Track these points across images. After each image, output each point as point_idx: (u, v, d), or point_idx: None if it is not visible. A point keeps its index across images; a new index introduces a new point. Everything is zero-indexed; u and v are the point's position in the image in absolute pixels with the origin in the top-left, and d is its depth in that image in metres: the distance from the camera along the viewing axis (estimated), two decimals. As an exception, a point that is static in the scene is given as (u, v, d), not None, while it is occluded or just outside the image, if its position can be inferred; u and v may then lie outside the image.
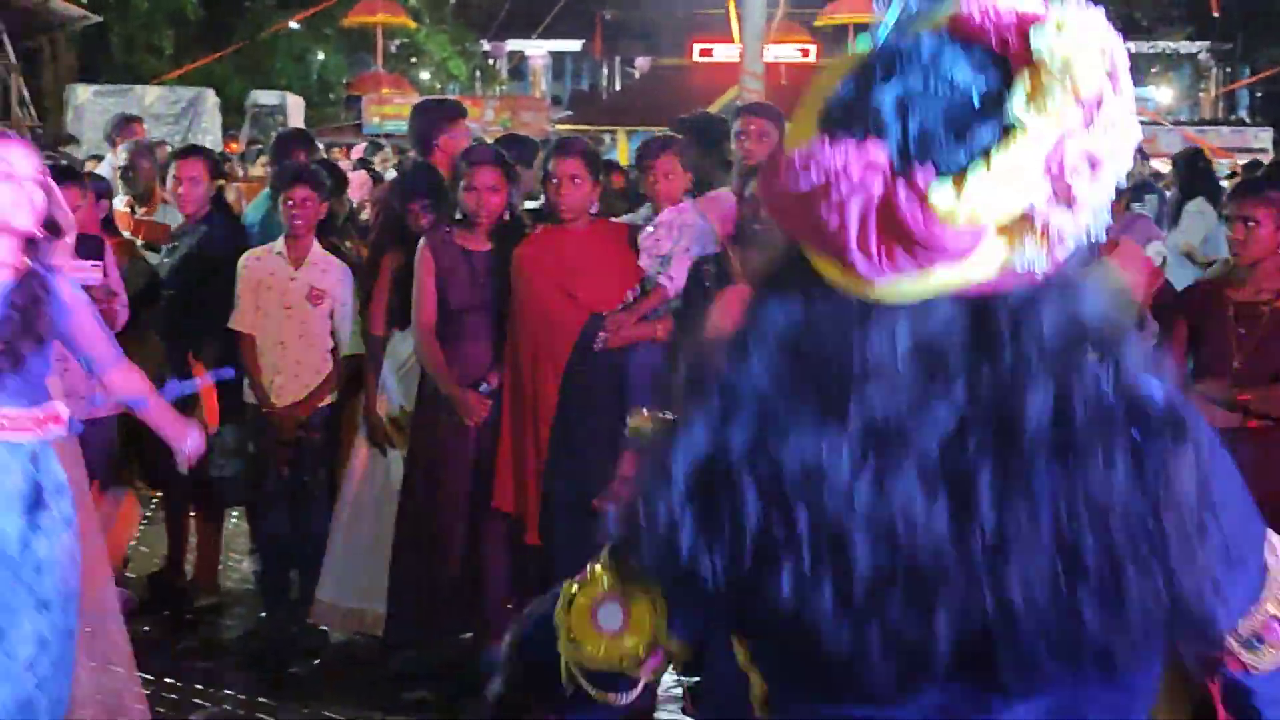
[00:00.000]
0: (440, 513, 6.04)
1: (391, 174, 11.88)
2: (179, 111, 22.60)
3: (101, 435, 5.87)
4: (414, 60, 36.97)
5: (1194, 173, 11.18)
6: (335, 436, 6.63)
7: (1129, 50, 1.47)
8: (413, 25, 32.77)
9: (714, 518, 1.49)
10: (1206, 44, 43.22)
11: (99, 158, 12.13)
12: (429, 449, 6.08)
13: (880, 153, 1.41)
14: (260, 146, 16.80)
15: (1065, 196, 1.41)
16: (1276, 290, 5.61)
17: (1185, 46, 43.50)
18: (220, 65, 29.10)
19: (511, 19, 36.79)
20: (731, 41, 27.31)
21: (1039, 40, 1.39)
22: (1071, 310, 1.48)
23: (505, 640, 1.90)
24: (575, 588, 1.80)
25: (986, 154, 1.39)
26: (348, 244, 7.03)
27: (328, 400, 6.50)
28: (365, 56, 34.94)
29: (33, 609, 4.01)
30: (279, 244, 6.44)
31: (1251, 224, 5.56)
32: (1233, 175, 15.17)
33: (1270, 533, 1.68)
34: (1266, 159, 19.47)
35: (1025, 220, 1.42)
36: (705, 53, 32.42)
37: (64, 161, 8.42)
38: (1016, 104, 1.39)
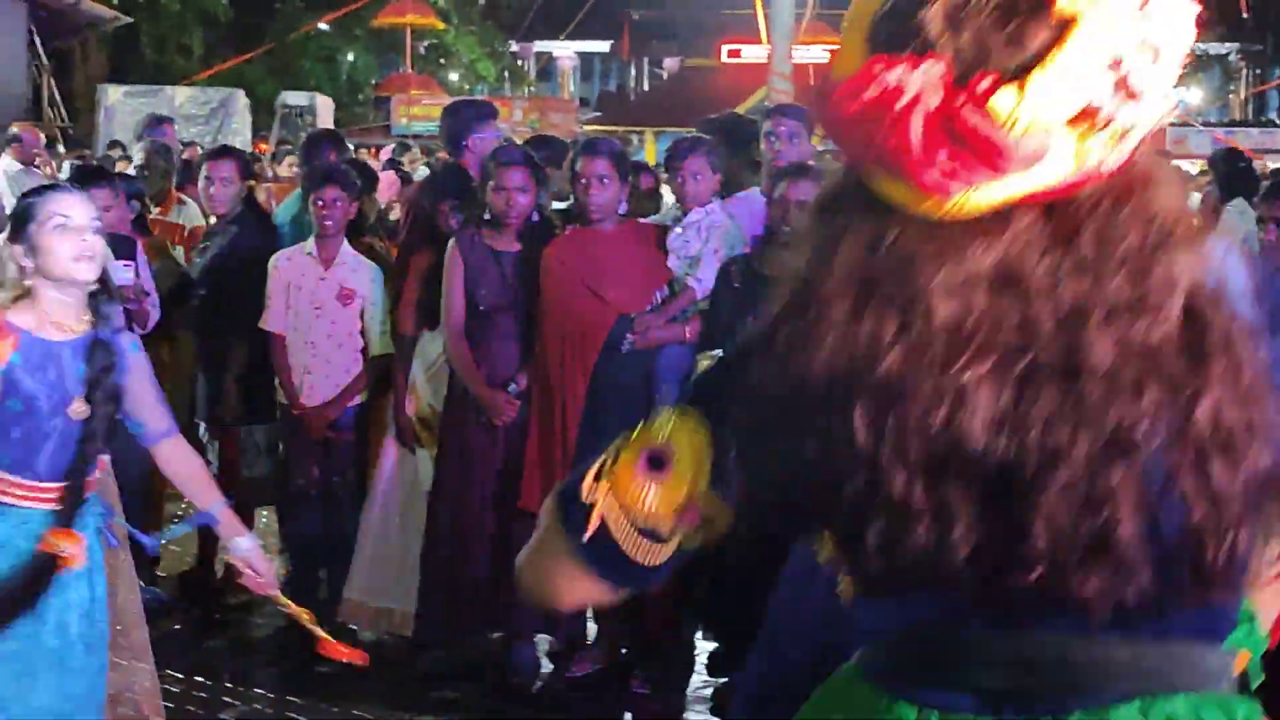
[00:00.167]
0: (469, 512, 6.05)
1: (421, 174, 11.90)
2: (209, 112, 22.68)
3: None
4: (443, 61, 37.01)
5: (1233, 172, 11.06)
6: (364, 436, 6.64)
7: None
8: (441, 26, 32.84)
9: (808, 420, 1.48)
10: (1236, 45, 43.03)
11: (128, 158, 12.18)
12: (458, 449, 6.09)
13: (936, 65, 1.40)
14: (289, 147, 16.86)
15: (1128, 88, 1.39)
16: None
17: (1215, 48, 43.28)
18: (250, 66, 29.20)
19: (540, 20, 36.84)
20: (760, 42, 27.36)
21: None
22: (1148, 204, 1.46)
23: (551, 493, 1.84)
24: (625, 440, 1.75)
25: (1043, 53, 1.37)
26: (379, 243, 7.04)
27: (358, 400, 6.52)
28: (394, 57, 35.03)
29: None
30: (309, 244, 6.46)
31: (1283, 226, 5.54)
32: (1263, 178, 15.08)
33: None
34: (1298, 160, 19.36)
35: (1091, 117, 1.40)
36: (733, 54, 32.46)
37: (95, 162, 8.47)
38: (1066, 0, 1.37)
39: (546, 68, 44.17)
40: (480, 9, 36.86)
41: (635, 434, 1.73)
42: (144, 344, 4.29)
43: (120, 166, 11.21)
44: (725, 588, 5.72)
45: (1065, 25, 1.37)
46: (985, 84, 1.38)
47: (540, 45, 41.42)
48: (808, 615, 3.65)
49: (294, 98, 25.98)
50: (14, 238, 3.91)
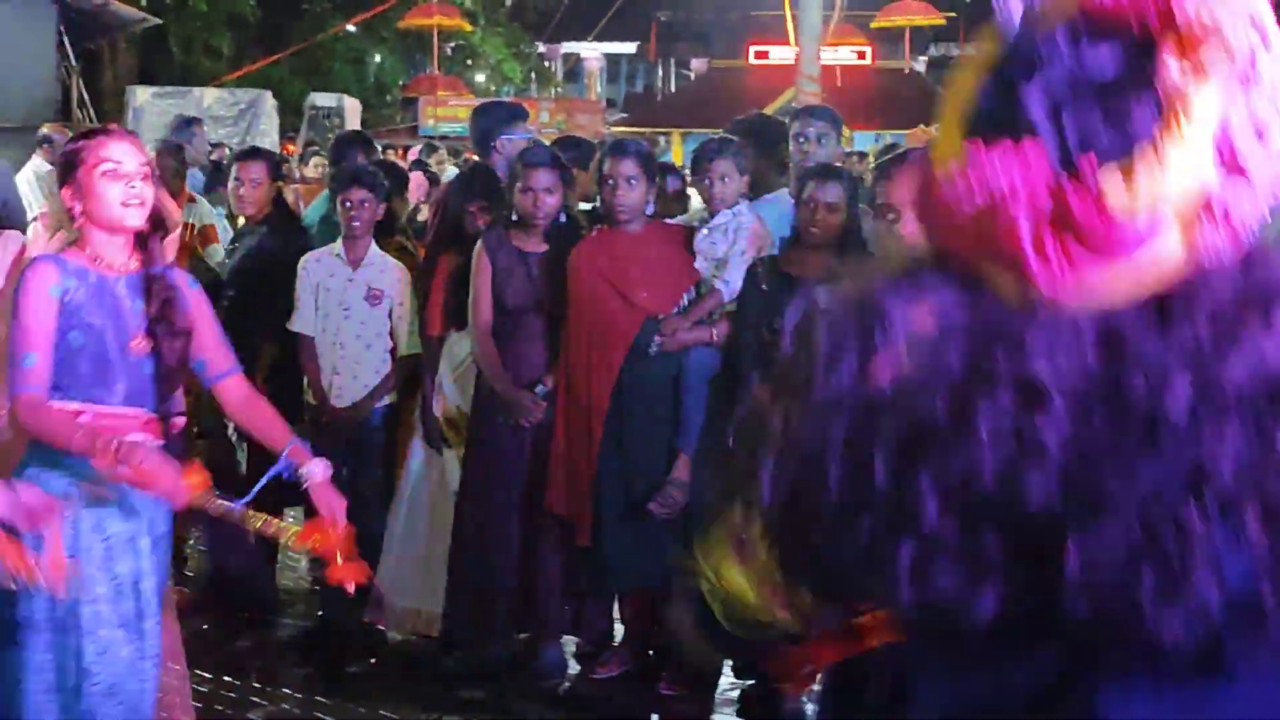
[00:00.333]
0: (496, 513, 6.05)
1: (448, 175, 11.92)
2: (237, 113, 22.72)
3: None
4: (469, 62, 37.06)
5: None
6: (393, 437, 6.65)
7: None
8: (468, 28, 32.86)
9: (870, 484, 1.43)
10: None
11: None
12: (485, 449, 6.09)
13: (1041, 153, 1.36)
14: (316, 148, 16.88)
15: (1237, 169, 1.35)
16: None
17: None
18: (278, 67, 29.28)
19: (567, 21, 36.84)
20: (787, 43, 27.36)
21: (1179, 3, 1.34)
22: (1262, 288, 1.39)
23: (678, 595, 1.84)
24: (714, 532, 1.73)
25: (1150, 136, 1.34)
26: (410, 243, 7.05)
27: (386, 401, 6.53)
28: (421, 59, 35.09)
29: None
30: (337, 245, 6.48)
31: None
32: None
33: None
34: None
35: (1200, 201, 1.36)
36: (761, 55, 32.45)
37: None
38: (1169, 75, 1.34)
39: (573, 69, 44.18)
40: (507, 10, 36.88)
41: (718, 526, 1.73)
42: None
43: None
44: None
45: (1170, 104, 1.33)
46: (1091, 168, 1.34)
47: (567, 46, 41.44)
48: None
49: (322, 99, 26.02)
50: (63, 181, 3.93)
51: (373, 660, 6.41)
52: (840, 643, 1.88)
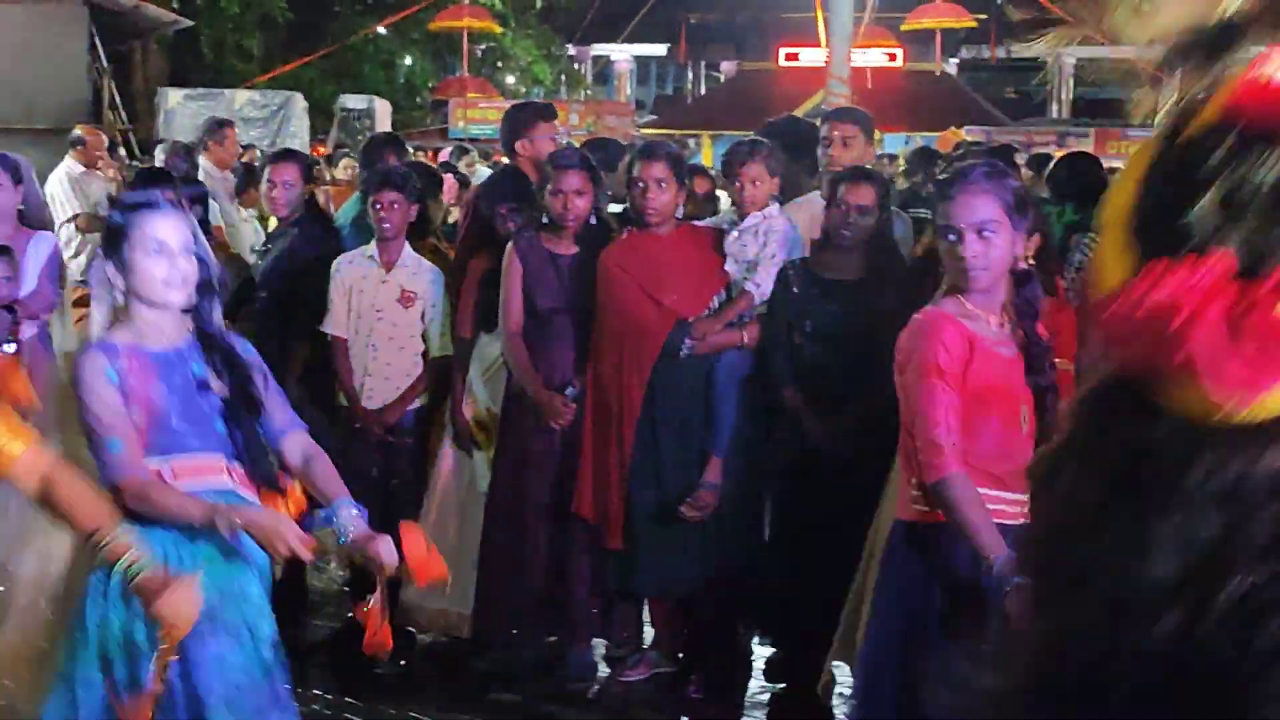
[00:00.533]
0: (526, 515, 6.06)
1: (479, 177, 11.94)
2: (268, 115, 22.76)
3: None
4: (499, 65, 37.07)
5: None
6: (424, 438, 6.66)
7: None
8: (498, 30, 32.86)
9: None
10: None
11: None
12: (515, 451, 6.10)
13: (1221, 262, 1.31)
14: (346, 150, 16.91)
15: None
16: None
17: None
18: (309, 69, 29.33)
19: (596, 23, 36.84)
20: (818, 46, 27.32)
21: None
22: None
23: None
24: None
25: None
26: (443, 245, 7.06)
27: (418, 402, 6.54)
28: (451, 61, 35.11)
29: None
30: (370, 247, 6.49)
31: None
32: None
33: None
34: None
35: None
36: (791, 57, 32.44)
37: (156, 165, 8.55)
38: None
39: (603, 71, 44.10)
40: (537, 13, 36.86)
41: None
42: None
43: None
44: (782, 594, 5.72)
45: None
46: (1276, 277, 1.29)
47: (597, 49, 41.35)
48: (901, 584, 4.02)
49: (352, 101, 26.06)
50: (107, 254, 3.93)
51: (403, 662, 6.42)
52: None
